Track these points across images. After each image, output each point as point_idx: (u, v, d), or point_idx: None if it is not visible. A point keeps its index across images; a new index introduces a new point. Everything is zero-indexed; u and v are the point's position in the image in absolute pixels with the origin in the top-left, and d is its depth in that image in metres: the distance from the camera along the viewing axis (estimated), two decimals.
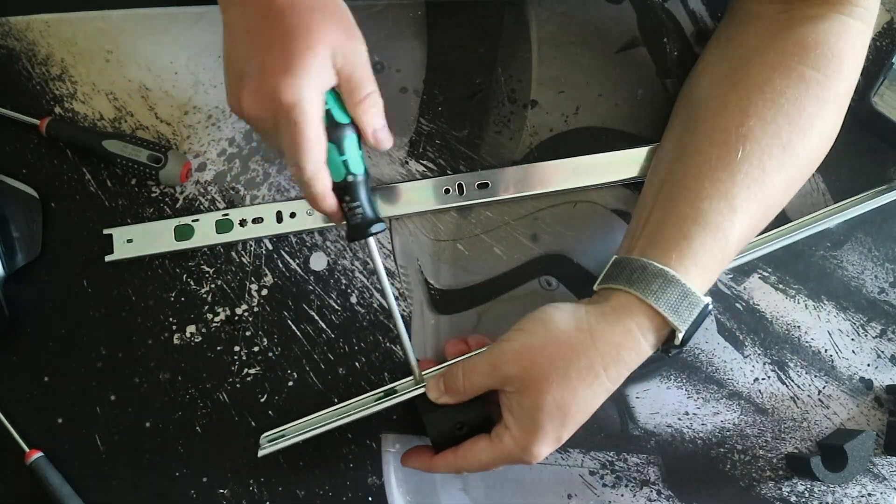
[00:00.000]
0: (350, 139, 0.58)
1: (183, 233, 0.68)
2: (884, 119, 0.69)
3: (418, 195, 0.70)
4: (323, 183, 0.57)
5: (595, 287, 0.61)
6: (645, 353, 0.58)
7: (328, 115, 0.57)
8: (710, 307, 0.58)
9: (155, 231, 0.69)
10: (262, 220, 0.69)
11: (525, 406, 0.57)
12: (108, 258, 0.68)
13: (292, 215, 0.69)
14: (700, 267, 0.58)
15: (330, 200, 0.59)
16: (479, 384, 0.59)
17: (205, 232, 0.69)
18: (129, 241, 0.69)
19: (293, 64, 0.54)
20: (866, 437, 0.65)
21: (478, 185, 0.70)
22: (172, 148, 0.70)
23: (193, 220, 0.69)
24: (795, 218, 0.71)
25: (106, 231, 0.69)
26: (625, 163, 0.70)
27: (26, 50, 0.73)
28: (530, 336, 0.58)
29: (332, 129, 0.57)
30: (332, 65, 0.56)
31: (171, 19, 0.73)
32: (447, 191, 0.70)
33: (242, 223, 0.69)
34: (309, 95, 0.55)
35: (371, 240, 0.60)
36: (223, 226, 0.69)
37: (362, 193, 0.59)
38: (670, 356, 0.64)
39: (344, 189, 0.59)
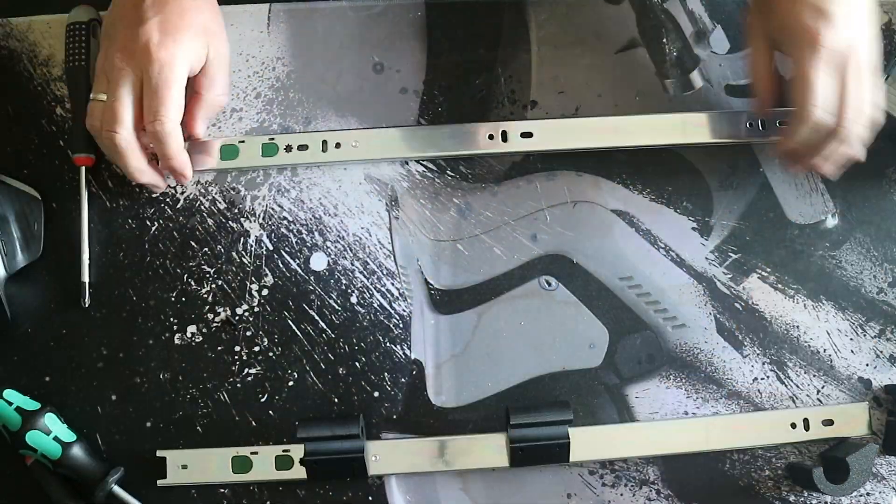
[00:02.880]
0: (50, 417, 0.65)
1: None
2: (886, 116, 0.69)
3: (463, 139, 0.71)
4: (178, 141, 0.64)
5: None
6: None
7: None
8: None
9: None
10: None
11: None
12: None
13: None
14: None
15: (182, 158, 0.66)
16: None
17: None
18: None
19: (178, 31, 0.62)
20: (869, 450, 0.65)
21: (521, 134, 0.70)
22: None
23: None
24: (794, 218, 0.72)
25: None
26: (666, 127, 0.71)
27: (27, 51, 0.73)
28: None
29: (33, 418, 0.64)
30: (204, 52, 0.65)
31: None
32: (491, 136, 0.70)
33: None
34: (182, 61, 0.62)
35: None
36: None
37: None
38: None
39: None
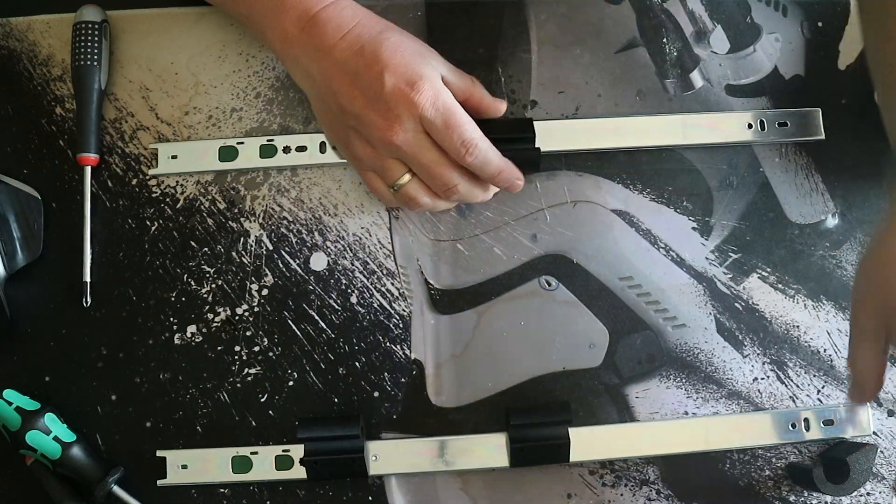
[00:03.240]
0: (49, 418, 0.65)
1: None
2: None
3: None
4: (496, 155, 0.62)
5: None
6: None
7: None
8: None
9: None
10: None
11: None
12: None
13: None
14: None
15: (509, 168, 0.63)
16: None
17: None
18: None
19: (405, 65, 0.59)
20: (869, 450, 0.65)
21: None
22: None
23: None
24: (794, 218, 0.72)
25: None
26: (666, 127, 0.71)
27: (27, 50, 0.73)
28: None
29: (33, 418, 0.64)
30: (429, 63, 0.61)
31: (171, 19, 0.73)
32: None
33: None
34: (437, 84, 0.59)
35: None
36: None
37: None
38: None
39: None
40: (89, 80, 0.70)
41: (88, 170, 0.70)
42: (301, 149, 0.70)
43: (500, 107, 0.67)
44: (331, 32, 0.59)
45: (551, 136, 0.70)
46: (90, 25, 0.70)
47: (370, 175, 0.64)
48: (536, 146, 0.67)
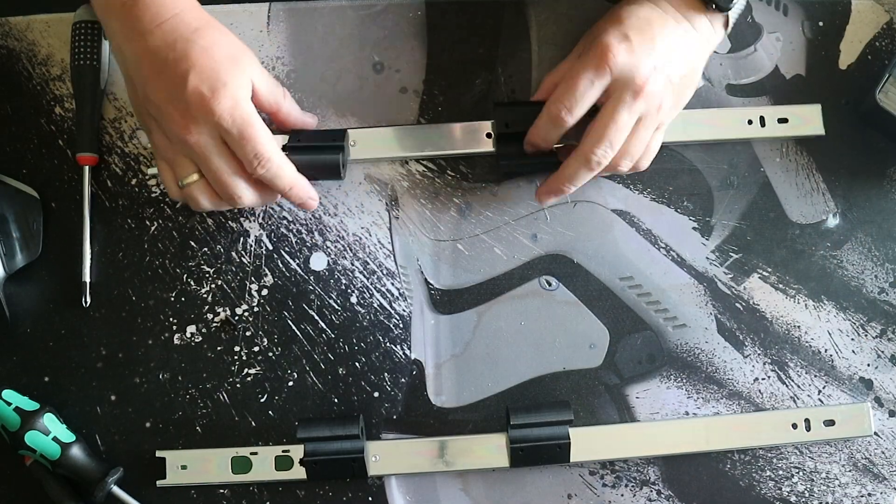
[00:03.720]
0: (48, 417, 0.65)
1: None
2: (888, 116, 0.69)
3: (463, 139, 0.70)
4: (290, 171, 0.63)
5: None
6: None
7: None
8: None
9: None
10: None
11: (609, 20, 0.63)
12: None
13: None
14: None
15: (301, 184, 0.64)
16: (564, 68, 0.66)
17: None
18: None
19: (218, 73, 0.58)
20: None
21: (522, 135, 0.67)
22: None
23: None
24: (795, 218, 0.71)
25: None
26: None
27: (26, 50, 0.73)
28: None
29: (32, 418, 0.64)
30: (247, 75, 0.61)
31: None
32: (489, 135, 0.70)
33: None
34: (243, 97, 0.59)
35: None
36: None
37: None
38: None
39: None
40: (88, 80, 0.70)
41: (87, 169, 0.70)
42: None
43: (308, 121, 0.68)
44: (149, 17, 0.59)
45: None
46: (89, 25, 0.70)
47: (163, 164, 0.63)
48: (338, 153, 0.67)
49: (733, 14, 0.64)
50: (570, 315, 0.70)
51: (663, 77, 0.62)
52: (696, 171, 0.72)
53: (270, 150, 0.61)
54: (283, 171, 0.62)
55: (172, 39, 0.59)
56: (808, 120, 0.72)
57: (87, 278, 0.69)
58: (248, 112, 0.60)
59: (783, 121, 0.71)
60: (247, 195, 0.62)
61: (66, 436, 0.65)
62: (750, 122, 0.71)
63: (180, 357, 0.69)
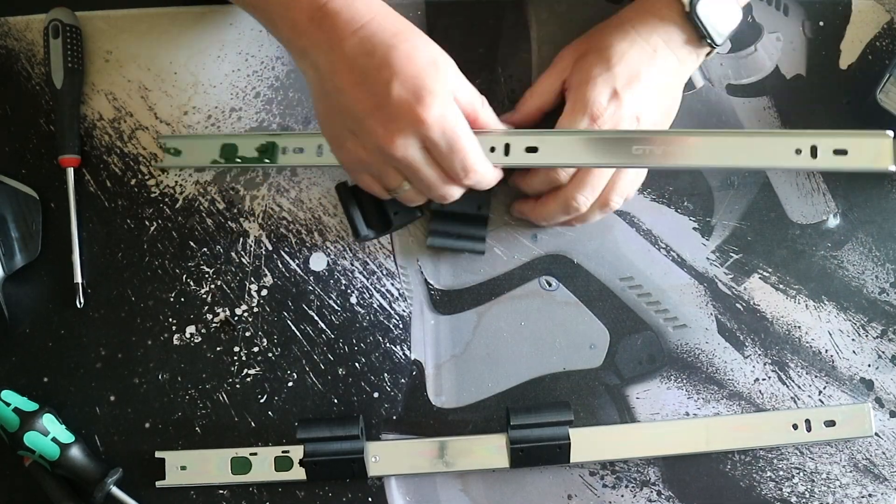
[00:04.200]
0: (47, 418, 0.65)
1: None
2: (889, 116, 0.69)
3: None
4: (495, 177, 0.61)
5: None
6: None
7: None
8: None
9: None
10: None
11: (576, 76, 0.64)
12: (159, 484, 0.66)
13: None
14: None
15: (496, 176, 0.61)
16: (545, 89, 0.66)
17: None
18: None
19: (420, 79, 0.55)
20: None
21: (526, 149, 0.62)
22: None
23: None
24: (796, 218, 0.71)
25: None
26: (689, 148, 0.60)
27: (26, 50, 0.73)
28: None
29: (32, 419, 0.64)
30: (448, 79, 0.57)
31: (171, 19, 0.73)
32: (493, 149, 0.62)
33: None
34: (450, 105, 0.56)
35: None
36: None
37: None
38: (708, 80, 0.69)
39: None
40: (66, 81, 0.70)
41: (71, 171, 0.69)
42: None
43: (501, 128, 0.64)
44: (342, 25, 0.56)
45: (559, 148, 0.68)
46: (65, 27, 0.70)
47: (366, 178, 0.61)
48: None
49: (722, 50, 0.66)
50: (570, 315, 0.70)
51: (648, 124, 0.64)
52: (696, 171, 0.72)
53: (477, 160, 0.58)
54: (487, 177, 0.60)
55: (371, 46, 0.55)
56: (870, 152, 0.57)
57: (78, 279, 0.68)
58: (456, 123, 0.57)
59: (841, 152, 0.58)
60: (458, 193, 0.61)
61: (66, 436, 0.65)
62: (798, 151, 0.58)
63: (180, 357, 0.69)
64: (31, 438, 0.63)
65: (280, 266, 0.70)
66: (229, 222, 0.71)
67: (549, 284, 0.70)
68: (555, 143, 0.61)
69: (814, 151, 0.58)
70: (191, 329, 0.69)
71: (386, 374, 0.69)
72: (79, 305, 0.68)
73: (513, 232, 0.71)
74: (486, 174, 0.60)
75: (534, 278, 0.70)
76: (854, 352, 0.70)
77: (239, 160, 0.67)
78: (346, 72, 0.56)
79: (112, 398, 0.68)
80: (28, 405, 0.65)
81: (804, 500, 0.68)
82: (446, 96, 0.56)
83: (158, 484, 0.66)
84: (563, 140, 0.61)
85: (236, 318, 0.69)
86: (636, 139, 0.59)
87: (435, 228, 0.69)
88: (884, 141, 0.57)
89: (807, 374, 0.70)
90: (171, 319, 0.69)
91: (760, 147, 0.59)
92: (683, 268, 0.71)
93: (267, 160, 0.67)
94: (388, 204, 0.65)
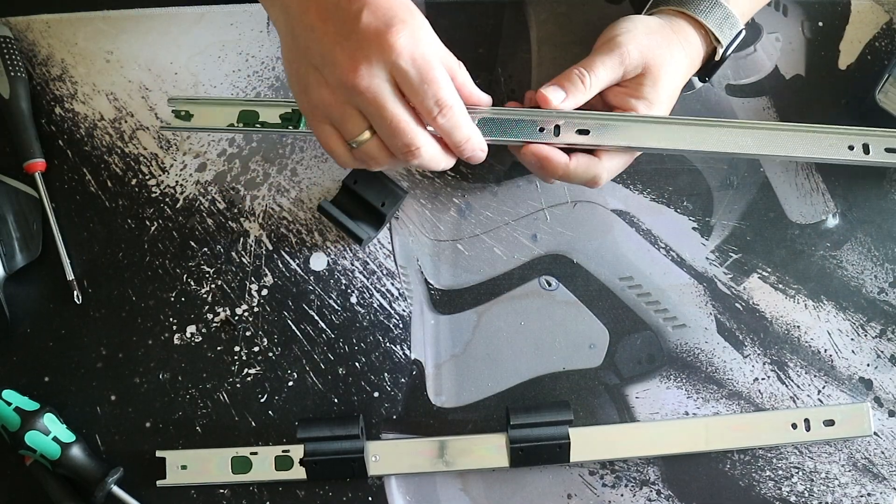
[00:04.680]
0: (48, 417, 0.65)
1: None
2: (888, 116, 0.69)
3: (514, 128, 0.62)
4: (468, 122, 0.56)
5: (644, 12, 0.66)
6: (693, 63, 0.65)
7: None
8: (743, 33, 0.66)
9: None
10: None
11: (648, 83, 0.63)
12: (160, 483, 0.66)
13: None
14: None
15: (477, 138, 0.57)
16: (603, 78, 0.62)
17: None
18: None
19: (392, 8, 0.51)
20: None
21: (577, 131, 0.62)
22: None
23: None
24: (795, 218, 0.71)
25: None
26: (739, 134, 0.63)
27: (26, 50, 0.73)
28: (635, 30, 0.63)
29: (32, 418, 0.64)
30: (424, 19, 0.54)
31: (171, 19, 0.73)
32: (542, 129, 0.62)
33: None
34: (425, 34, 0.53)
35: None
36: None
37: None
38: (707, 80, 0.70)
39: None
40: (19, 90, 0.70)
41: (39, 175, 0.70)
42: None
43: (483, 99, 0.61)
44: None
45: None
46: (3, 39, 0.71)
47: (326, 129, 0.55)
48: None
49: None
50: (569, 315, 0.70)
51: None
52: (695, 171, 0.72)
53: (452, 95, 0.54)
54: (464, 119, 0.55)
55: None
56: None
57: (70, 276, 0.69)
58: (430, 52, 0.52)
59: (891, 150, 0.62)
60: (427, 146, 0.55)
61: (66, 436, 0.65)
62: (851, 147, 0.62)
63: (180, 357, 0.69)
64: (32, 438, 0.64)
65: (280, 266, 0.70)
66: (230, 222, 0.71)
67: (549, 284, 0.70)
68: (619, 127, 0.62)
69: (866, 149, 0.62)
70: (191, 329, 0.69)
71: (386, 374, 0.69)
72: (77, 302, 0.69)
73: (513, 232, 0.71)
74: (461, 114, 0.55)
75: (533, 278, 0.70)
76: (853, 351, 0.70)
77: (259, 125, 0.63)
78: (316, 9, 0.53)
79: (113, 398, 0.68)
80: (29, 405, 0.65)
81: (803, 500, 0.68)
82: (419, 28, 0.52)
83: (159, 483, 0.66)
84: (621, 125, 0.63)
85: (237, 318, 0.69)
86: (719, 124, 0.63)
87: (338, 198, 0.67)
88: None
89: (806, 373, 0.70)
90: (171, 319, 0.69)
91: (811, 140, 0.63)
92: (683, 267, 0.71)
93: (291, 127, 0.63)
94: (372, 197, 0.66)
